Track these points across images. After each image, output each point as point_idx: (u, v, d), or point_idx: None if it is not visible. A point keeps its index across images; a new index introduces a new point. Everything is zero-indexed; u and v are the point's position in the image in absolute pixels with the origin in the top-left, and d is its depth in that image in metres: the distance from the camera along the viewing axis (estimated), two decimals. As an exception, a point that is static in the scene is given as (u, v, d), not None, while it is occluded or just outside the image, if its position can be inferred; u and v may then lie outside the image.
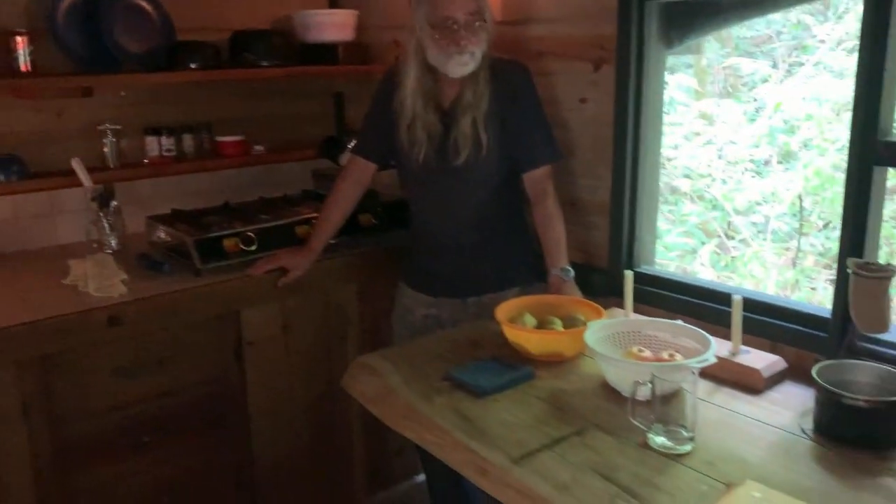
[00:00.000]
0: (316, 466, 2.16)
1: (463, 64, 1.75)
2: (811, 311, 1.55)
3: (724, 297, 1.63)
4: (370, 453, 2.27)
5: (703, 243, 4.39)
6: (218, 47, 2.33)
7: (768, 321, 1.60)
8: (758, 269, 4.21)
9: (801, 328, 1.55)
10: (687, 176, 4.72)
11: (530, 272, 1.91)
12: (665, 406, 1.27)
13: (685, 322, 1.59)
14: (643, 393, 1.29)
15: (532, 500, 1.15)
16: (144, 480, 1.84)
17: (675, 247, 4.69)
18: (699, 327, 1.53)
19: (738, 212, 4.39)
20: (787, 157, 4.36)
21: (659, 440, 1.26)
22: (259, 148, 2.47)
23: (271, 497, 2.08)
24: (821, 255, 4.32)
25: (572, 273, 1.81)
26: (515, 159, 1.85)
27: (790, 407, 1.39)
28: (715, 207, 4.47)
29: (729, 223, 4.41)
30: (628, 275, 1.71)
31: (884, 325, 1.26)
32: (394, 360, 1.64)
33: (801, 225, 4.40)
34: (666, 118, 5.22)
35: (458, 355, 1.63)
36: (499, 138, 1.81)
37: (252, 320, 1.96)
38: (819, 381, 1.28)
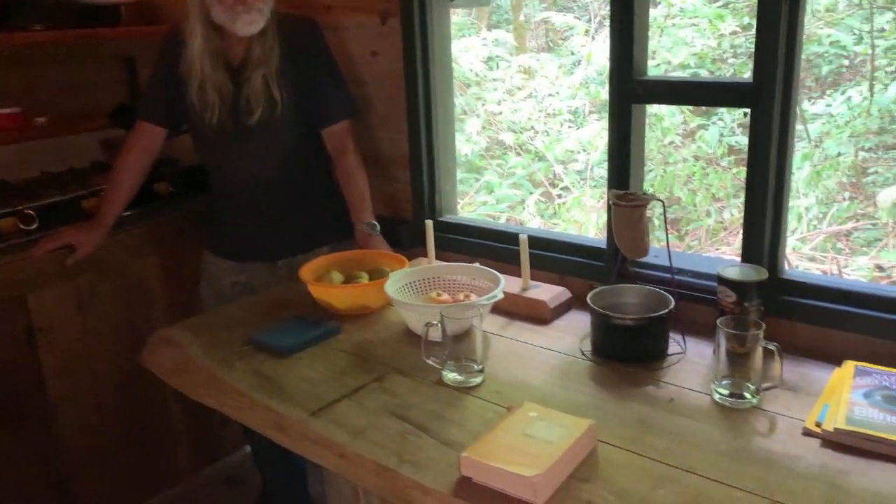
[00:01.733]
0: (133, 449, 2.08)
1: (251, 22, 1.69)
2: (590, 244, 1.67)
3: (516, 238, 1.72)
4: (193, 428, 2.21)
5: (530, 193, 4.59)
6: (-24, 10, 2.10)
7: (555, 256, 1.70)
8: (579, 214, 4.46)
9: (582, 260, 1.66)
10: (511, 130, 4.90)
11: (340, 230, 1.91)
12: (457, 343, 1.33)
13: (484, 264, 1.66)
14: (435, 334, 1.35)
15: (327, 449, 1.17)
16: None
17: (506, 198, 4.88)
18: (498, 267, 1.61)
19: (559, 161, 4.61)
20: (601, 107, 4.64)
21: (451, 376, 1.32)
22: (41, 120, 2.26)
23: (86, 488, 1.97)
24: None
25: (378, 227, 1.83)
26: (312, 116, 1.83)
27: (573, 332, 1.50)
28: (539, 158, 4.67)
29: (554, 173, 4.63)
30: (429, 224, 1.76)
31: (643, 250, 1.38)
32: (195, 330, 1.59)
33: (616, 169, 4.67)
34: (489, 74, 5.31)
35: (264, 319, 1.61)
36: (293, 95, 1.78)
37: (41, 304, 1.83)
38: (592, 305, 1.39)
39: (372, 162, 1.97)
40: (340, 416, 1.24)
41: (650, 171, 4.52)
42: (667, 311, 1.35)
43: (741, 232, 1.42)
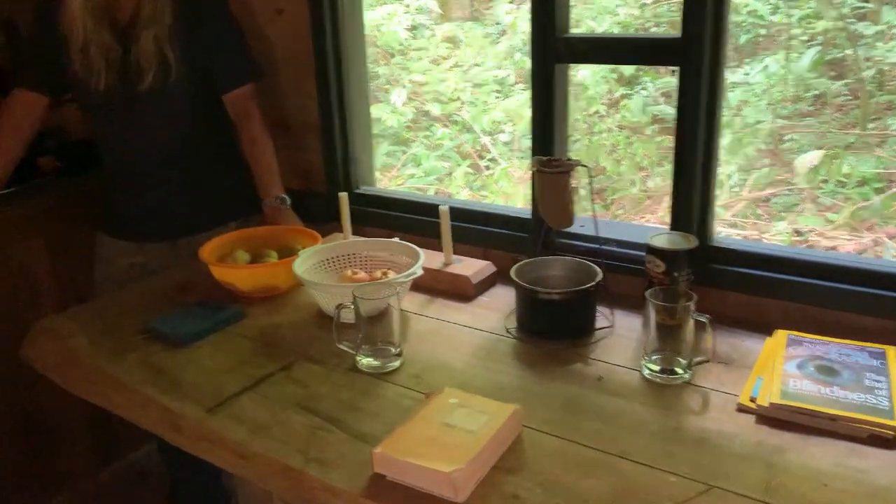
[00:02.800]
0: (25, 456, 1.89)
1: None
2: (515, 214, 1.58)
3: (437, 210, 1.62)
4: (95, 424, 2.03)
5: (458, 165, 4.50)
6: None
7: (479, 228, 1.61)
8: (507, 185, 4.40)
9: (507, 231, 1.57)
10: (438, 100, 4.78)
11: (248, 204, 1.76)
12: (372, 326, 1.22)
13: (405, 239, 1.56)
14: (348, 316, 1.23)
15: (225, 449, 1.05)
16: None
17: (434, 171, 4.78)
18: (420, 242, 1.51)
19: (486, 132, 4.53)
20: (527, 77, 4.56)
21: (366, 361, 1.21)
22: None
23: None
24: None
25: (288, 201, 1.70)
26: (211, 80, 1.68)
27: (498, 309, 1.41)
28: (466, 130, 4.57)
29: (482, 144, 4.54)
30: (343, 197, 1.64)
31: (569, 220, 1.30)
32: (83, 319, 1.43)
33: (543, 140, 4.65)
34: (413, 42, 5.14)
35: (162, 304, 1.47)
36: (189, 57, 1.62)
37: None
38: (517, 279, 1.30)
39: (280, 130, 1.83)
40: (241, 411, 1.11)
41: (576, 140, 4.50)
42: (594, 283, 1.27)
43: (669, 198, 1.35)
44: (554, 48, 1.38)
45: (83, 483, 2.04)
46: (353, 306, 1.20)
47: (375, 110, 4.71)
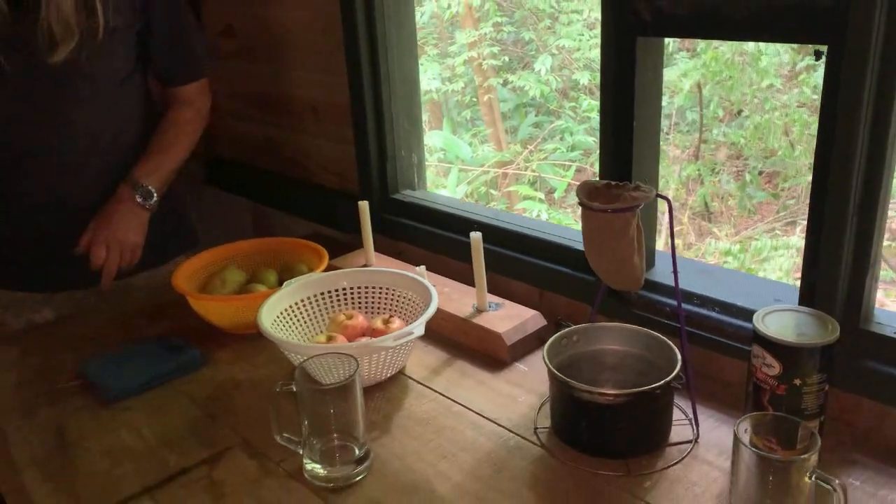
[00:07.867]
0: None
1: None
2: (580, 245, 1.13)
3: (504, 235, 1.22)
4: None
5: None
6: None
7: (534, 262, 1.18)
8: (661, 166, 3.95)
9: (567, 270, 1.13)
10: (588, 68, 4.36)
11: (188, 233, 1.43)
12: (325, 411, 0.85)
13: (449, 266, 1.20)
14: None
15: None
16: None
17: (582, 145, 4.41)
18: (463, 271, 1.17)
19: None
20: (692, 42, 4.06)
21: (311, 467, 0.85)
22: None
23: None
24: (734, 144, 4.08)
25: (154, 197, 1.22)
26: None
27: (535, 390, 0.99)
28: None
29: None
30: (363, 206, 1.27)
31: (633, 279, 0.84)
32: (28, 346, 1.18)
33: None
34: (566, 5, 4.63)
35: (127, 334, 1.19)
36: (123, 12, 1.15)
37: None
38: (548, 364, 0.87)
39: (309, 114, 1.48)
40: (118, 532, 0.79)
41: (745, 117, 3.92)
42: (663, 382, 0.82)
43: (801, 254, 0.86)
44: (634, 13, 0.91)
45: None
46: (296, 384, 0.84)
47: (520, 80, 4.34)
